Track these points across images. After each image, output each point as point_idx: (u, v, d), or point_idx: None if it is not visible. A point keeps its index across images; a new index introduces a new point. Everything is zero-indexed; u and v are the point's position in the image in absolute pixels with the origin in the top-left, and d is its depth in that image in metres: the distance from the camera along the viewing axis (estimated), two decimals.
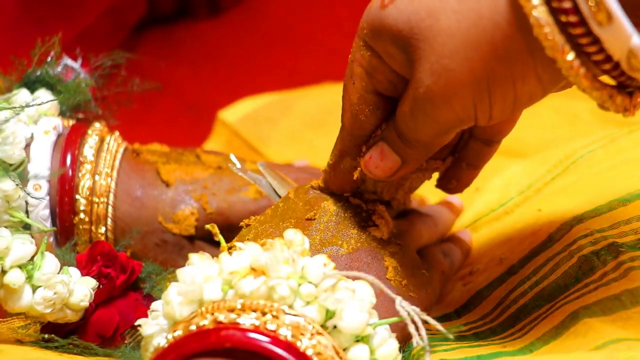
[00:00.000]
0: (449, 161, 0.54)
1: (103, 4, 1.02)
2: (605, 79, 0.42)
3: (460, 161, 0.55)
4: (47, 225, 0.58)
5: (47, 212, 0.58)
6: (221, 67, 1.13)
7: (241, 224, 0.55)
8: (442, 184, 0.56)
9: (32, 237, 0.52)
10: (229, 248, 0.48)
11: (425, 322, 0.45)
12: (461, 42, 0.42)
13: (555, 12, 0.39)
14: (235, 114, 0.86)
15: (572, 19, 0.39)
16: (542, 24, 0.39)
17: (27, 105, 0.51)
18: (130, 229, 0.60)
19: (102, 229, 0.59)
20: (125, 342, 0.53)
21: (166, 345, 0.43)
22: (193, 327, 0.43)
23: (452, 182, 0.56)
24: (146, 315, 0.48)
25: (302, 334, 0.43)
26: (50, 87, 0.63)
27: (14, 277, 0.48)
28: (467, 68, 0.42)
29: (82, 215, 0.59)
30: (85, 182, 0.59)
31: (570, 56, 0.40)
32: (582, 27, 0.39)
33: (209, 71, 1.12)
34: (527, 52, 0.41)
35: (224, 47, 1.17)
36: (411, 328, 0.45)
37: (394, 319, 0.45)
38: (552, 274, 0.53)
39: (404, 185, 0.55)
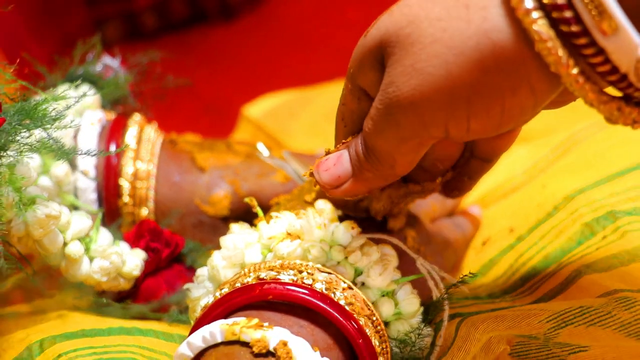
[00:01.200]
0: (449, 175, 0.54)
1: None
2: (611, 90, 0.40)
3: (462, 175, 0.53)
4: (95, 208, 0.63)
5: (94, 196, 0.63)
6: (236, 69, 1.17)
7: (271, 202, 0.60)
8: (444, 193, 0.55)
9: None
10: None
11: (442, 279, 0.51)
12: (443, 47, 0.40)
13: (556, 23, 0.37)
14: (258, 109, 0.91)
15: (575, 28, 0.37)
16: (545, 39, 0.37)
17: (84, 95, 0.57)
18: (169, 211, 0.65)
19: (145, 211, 0.65)
20: (172, 307, 0.58)
21: (214, 301, 0.49)
22: (238, 285, 0.48)
23: (454, 192, 0.54)
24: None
25: (335, 288, 0.48)
26: (92, 83, 0.69)
27: (75, 248, 0.54)
28: (445, 72, 0.40)
29: (126, 199, 0.64)
30: (128, 168, 0.64)
31: (575, 70, 0.38)
32: (585, 37, 0.37)
33: (225, 73, 1.16)
34: (520, 63, 0.39)
35: (238, 50, 1.21)
36: (430, 283, 0.51)
37: (415, 276, 0.51)
38: (557, 239, 0.58)
39: (399, 205, 0.55)
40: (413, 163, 0.46)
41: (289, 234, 0.50)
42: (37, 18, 1.04)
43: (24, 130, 0.47)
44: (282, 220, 0.51)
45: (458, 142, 0.46)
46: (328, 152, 0.49)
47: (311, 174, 0.49)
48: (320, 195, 0.55)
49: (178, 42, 1.21)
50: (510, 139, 0.51)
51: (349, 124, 0.48)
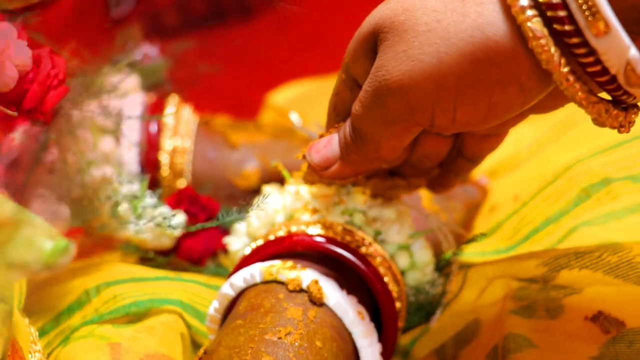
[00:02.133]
0: (435, 172, 0.56)
1: None
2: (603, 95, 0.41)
3: (448, 173, 0.56)
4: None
5: (137, 169, 0.70)
6: (255, 66, 1.22)
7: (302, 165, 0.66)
8: (429, 188, 0.58)
9: None
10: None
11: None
12: (436, 37, 0.40)
13: (550, 22, 0.38)
14: (282, 97, 0.98)
15: (568, 28, 0.38)
16: (539, 36, 0.38)
17: (131, 72, 0.63)
18: (204, 183, 0.72)
19: (183, 183, 0.71)
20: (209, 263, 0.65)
21: (250, 251, 0.55)
22: (271, 237, 0.55)
23: (439, 187, 0.57)
24: (224, 245, 0.60)
25: (357, 241, 0.54)
26: (131, 69, 0.75)
27: (124, 209, 0.60)
28: (436, 61, 0.40)
29: (165, 172, 0.71)
30: (167, 144, 0.71)
31: (566, 69, 0.39)
32: (578, 37, 0.38)
33: (244, 71, 1.21)
34: (512, 59, 0.39)
35: (257, 48, 1.26)
36: (440, 236, 0.57)
37: (427, 230, 0.57)
38: (555, 203, 0.64)
39: (384, 196, 0.57)
40: (398, 149, 0.46)
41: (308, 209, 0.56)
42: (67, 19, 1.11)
43: (85, 100, 0.54)
44: (301, 196, 0.56)
45: (443, 132, 0.47)
46: (321, 136, 0.51)
47: (304, 157, 0.51)
48: (307, 178, 0.57)
49: (197, 40, 1.26)
50: (498, 140, 0.54)
51: (341, 113, 0.50)
